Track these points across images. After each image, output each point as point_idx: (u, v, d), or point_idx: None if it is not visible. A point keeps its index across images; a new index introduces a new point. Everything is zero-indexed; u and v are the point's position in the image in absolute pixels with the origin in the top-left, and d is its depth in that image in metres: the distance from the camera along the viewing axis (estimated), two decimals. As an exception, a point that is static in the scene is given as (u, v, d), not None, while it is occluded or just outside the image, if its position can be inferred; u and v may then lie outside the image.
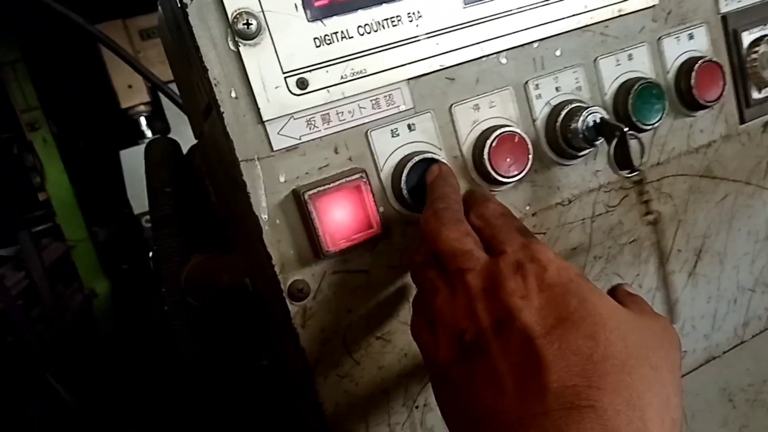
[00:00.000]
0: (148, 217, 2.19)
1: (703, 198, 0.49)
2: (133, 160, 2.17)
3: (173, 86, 0.71)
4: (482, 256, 0.32)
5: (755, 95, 0.49)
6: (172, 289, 0.60)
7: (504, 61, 0.41)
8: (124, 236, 2.61)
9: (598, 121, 0.40)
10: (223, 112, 0.36)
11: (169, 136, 1.13)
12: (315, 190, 0.36)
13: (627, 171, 0.40)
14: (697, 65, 0.44)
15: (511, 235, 0.33)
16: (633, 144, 0.39)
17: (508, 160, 0.40)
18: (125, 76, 2.11)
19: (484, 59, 0.41)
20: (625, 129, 0.39)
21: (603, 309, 0.29)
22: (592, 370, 0.27)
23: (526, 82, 0.42)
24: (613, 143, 0.39)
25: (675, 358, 0.30)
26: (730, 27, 0.47)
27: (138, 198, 2.20)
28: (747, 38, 0.48)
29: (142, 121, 2.24)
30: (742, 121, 0.49)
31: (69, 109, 2.55)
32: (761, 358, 0.66)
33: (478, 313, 0.30)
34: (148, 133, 2.23)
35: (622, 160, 0.40)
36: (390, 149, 0.39)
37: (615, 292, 0.34)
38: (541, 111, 0.43)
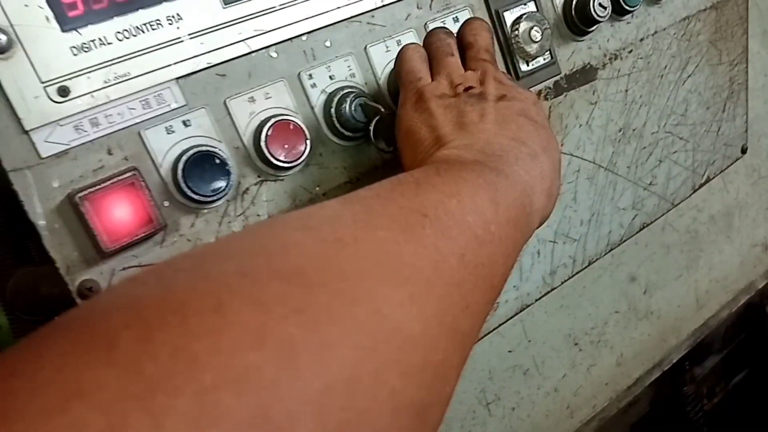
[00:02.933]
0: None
1: (489, 164, 0.54)
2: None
3: None
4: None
5: (523, 68, 0.54)
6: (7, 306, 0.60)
7: (274, 54, 0.45)
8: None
9: (362, 104, 0.44)
10: (-16, 126, 0.37)
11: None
12: (87, 192, 0.38)
13: (390, 147, 0.44)
14: (458, 45, 0.49)
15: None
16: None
17: (286, 146, 0.44)
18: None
19: (253, 54, 0.44)
20: (382, 110, 0.43)
21: (556, 143, 0.42)
22: (532, 160, 0.38)
23: (299, 73, 0.45)
24: (373, 122, 0.43)
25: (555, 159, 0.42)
26: (492, 8, 0.53)
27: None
28: (509, 17, 0.53)
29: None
30: (516, 91, 0.55)
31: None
32: (599, 303, 0.73)
33: (490, 83, 0.41)
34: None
35: (385, 137, 0.44)
36: (167, 146, 0.41)
37: None
38: (317, 98, 0.46)
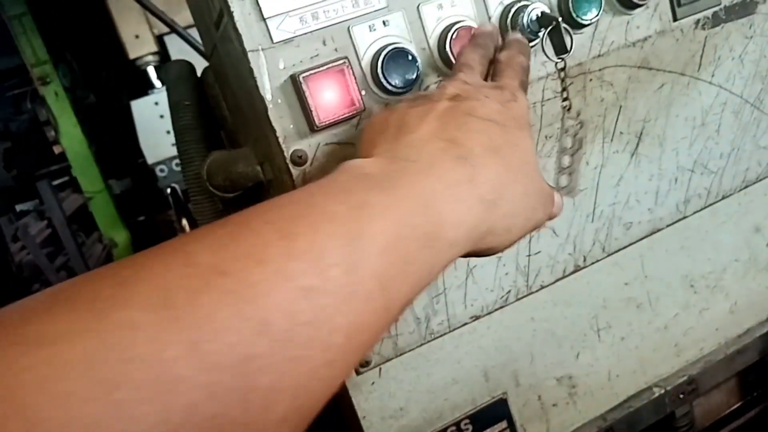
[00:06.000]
0: (162, 167, 2.24)
1: (641, 86, 0.57)
2: (144, 110, 2.18)
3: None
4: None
5: (686, -5, 0.56)
6: (195, 188, 0.70)
7: (462, -34, 0.50)
8: (140, 187, 2.66)
9: (539, 14, 0.49)
10: (233, 11, 0.44)
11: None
12: (308, 74, 0.45)
13: (559, 56, 0.48)
14: (630, -32, 0.52)
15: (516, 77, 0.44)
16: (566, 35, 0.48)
17: (467, 50, 0.49)
18: (132, 27, 2.11)
19: (445, -34, 0.49)
20: (559, 19, 0.47)
21: (531, 149, 0.40)
22: (457, 161, 0.35)
23: (482, -15, 0.50)
24: (547, 30, 0.48)
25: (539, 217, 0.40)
26: (662, -66, 0.55)
27: (151, 148, 2.21)
28: (679, -56, 0.55)
29: (151, 71, 2.23)
30: (675, 18, 0.57)
31: (78, 63, 2.57)
32: (720, 249, 0.74)
33: (449, 85, 0.41)
34: (158, 84, 2.23)
35: (557, 47, 0.48)
36: (368, 41, 0.48)
37: None
38: (495, 9, 0.51)
